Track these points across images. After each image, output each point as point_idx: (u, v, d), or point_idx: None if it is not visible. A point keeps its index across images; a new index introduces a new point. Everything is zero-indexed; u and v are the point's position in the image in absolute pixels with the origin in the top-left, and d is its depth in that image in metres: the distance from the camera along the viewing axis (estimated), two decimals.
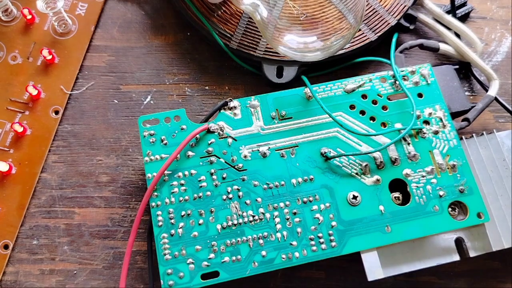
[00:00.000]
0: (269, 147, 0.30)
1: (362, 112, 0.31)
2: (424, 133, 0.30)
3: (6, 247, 0.31)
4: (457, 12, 0.35)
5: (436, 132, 0.30)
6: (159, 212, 0.28)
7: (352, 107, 0.31)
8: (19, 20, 0.35)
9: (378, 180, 0.29)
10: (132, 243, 0.28)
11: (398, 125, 0.30)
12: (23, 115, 0.33)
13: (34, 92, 0.33)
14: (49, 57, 0.34)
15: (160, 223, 0.28)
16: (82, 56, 0.35)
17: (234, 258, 0.27)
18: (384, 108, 0.31)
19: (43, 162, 0.33)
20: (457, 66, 0.34)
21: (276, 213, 0.28)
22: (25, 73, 0.34)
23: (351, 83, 0.31)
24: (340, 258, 0.29)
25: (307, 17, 0.29)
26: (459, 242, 0.29)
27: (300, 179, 0.29)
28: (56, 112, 0.34)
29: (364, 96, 0.31)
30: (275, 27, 0.29)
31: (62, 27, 0.35)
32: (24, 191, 0.32)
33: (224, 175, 0.29)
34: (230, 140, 0.30)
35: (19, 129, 0.32)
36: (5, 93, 0.34)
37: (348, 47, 0.33)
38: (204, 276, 0.27)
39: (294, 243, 0.28)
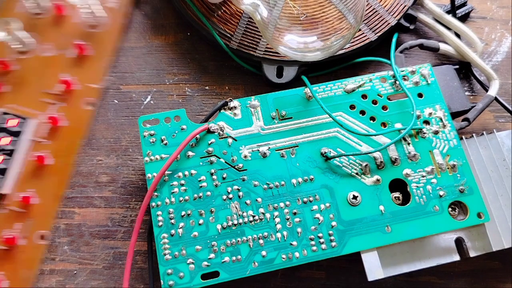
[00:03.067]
0: (269, 147, 0.30)
1: (362, 112, 0.31)
2: (424, 133, 0.30)
3: (43, 237, 0.31)
4: (457, 12, 0.35)
5: (436, 132, 0.30)
6: (159, 212, 0.28)
7: (352, 107, 0.31)
8: (50, 12, 0.35)
9: (378, 180, 0.29)
10: (134, 245, 0.28)
11: (398, 125, 0.30)
12: (57, 107, 0.33)
13: (68, 84, 0.33)
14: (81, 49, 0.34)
15: (160, 223, 0.28)
16: (114, 48, 0.35)
17: (234, 258, 0.27)
18: (384, 108, 0.31)
19: (77, 153, 0.33)
20: (457, 66, 0.34)
21: (276, 213, 0.28)
22: (58, 65, 0.34)
23: (351, 83, 0.31)
24: (340, 258, 0.29)
25: (307, 17, 0.29)
26: (459, 242, 0.29)
27: (300, 179, 0.29)
28: (90, 104, 0.34)
29: (364, 96, 0.31)
30: (275, 27, 0.29)
31: (94, 19, 0.35)
32: (60, 182, 0.32)
33: (224, 175, 0.29)
34: (230, 140, 0.30)
35: (54, 120, 0.32)
36: (39, 85, 0.34)
37: (348, 47, 0.33)
38: (204, 276, 0.27)
39: (294, 243, 0.28)
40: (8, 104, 0.33)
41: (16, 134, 0.32)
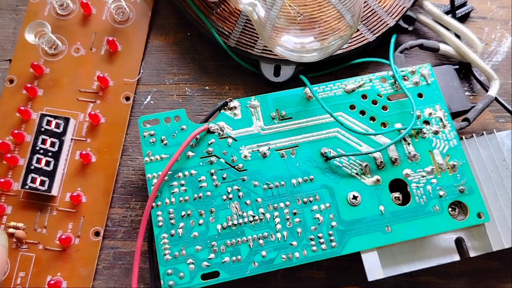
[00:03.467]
0: (269, 147, 0.30)
1: (362, 112, 0.31)
2: (424, 133, 0.30)
3: (97, 234, 0.31)
4: (457, 12, 0.35)
5: (436, 132, 0.30)
6: (159, 213, 0.28)
7: (352, 107, 0.31)
8: (76, 12, 0.35)
9: (378, 180, 0.29)
10: (140, 249, 0.28)
11: (398, 125, 0.30)
12: (95, 104, 0.33)
13: (104, 81, 0.33)
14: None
15: (160, 223, 0.28)
16: (144, 42, 0.35)
17: (234, 258, 0.27)
18: (384, 108, 0.31)
19: (121, 147, 0.33)
20: (457, 66, 0.34)
21: (276, 213, 0.28)
22: (90, 64, 0.34)
23: (351, 83, 0.31)
24: (340, 258, 0.29)
25: (305, 17, 0.29)
26: (459, 242, 0.29)
27: (300, 179, 0.29)
28: (127, 98, 0.34)
29: (364, 96, 0.31)
30: (272, 27, 0.29)
31: (120, 15, 0.35)
32: (107, 178, 0.32)
33: (224, 175, 0.29)
34: (230, 140, 0.30)
35: (94, 118, 0.32)
36: (74, 85, 0.34)
37: (346, 48, 0.33)
38: (204, 276, 0.27)
39: (294, 243, 0.28)
40: (45, 107, 0.33)
41: (58, 135, 0.32)
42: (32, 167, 0.31)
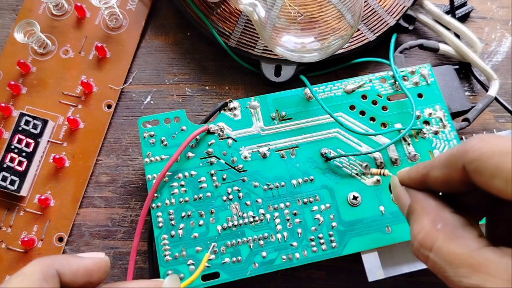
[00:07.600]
0: (269, 148, 0.30)
1: (362, 113, 0.31)
2: (424, 133, 0.30)
3: (60, 239, 0.31)
4: (457, 12, 0.35)
5: (436, 132, 0.30)
6: (160, 213, 0.28)
7: (352, 107, 0.31)
8: (70, 14, 0.35)
9: (378, 180, 0.29)
10: (136, 250, 0.28)
11: (398, 126, 0.30)
12: (76, 109, 0.33)
13: (88, 86, 0.33)
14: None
15: (161, 224, 0.28)
16: (134, 51, 0.35)
17: (234, 259, 0.27)
18: (384, 108, 0.31)
19: (96, 155, 0.33)
20: (457, 66, 0.34)
21: (276, 213, 0.28)
22: (77, 67, 0.34)
23: (351, 83, 0.31)
24: (341, 258, 0.29)
25: (305, 17, 0.29)
26: None
27: (300, 180, 0.29)
28: (109, 106, 0.34)
29: (364, 97, 0.31)
30: (273, 27, 0.29)
31: (113, 22, 0.35)
32: (78, 184, 0.32)
33: (224, 176, 0.29)
34: (230, 141, 0.30)
35: (73, 122, 0.32)
36: (58, 87, 0.34)
37: (347, 47, 0.33)
38: (205, 277, 0.27)
39: (295, 243, 0.28)
40: (27, 105, 0.33)
41: (34, 136, 0.32)
42: (5, 165, 0.31)
